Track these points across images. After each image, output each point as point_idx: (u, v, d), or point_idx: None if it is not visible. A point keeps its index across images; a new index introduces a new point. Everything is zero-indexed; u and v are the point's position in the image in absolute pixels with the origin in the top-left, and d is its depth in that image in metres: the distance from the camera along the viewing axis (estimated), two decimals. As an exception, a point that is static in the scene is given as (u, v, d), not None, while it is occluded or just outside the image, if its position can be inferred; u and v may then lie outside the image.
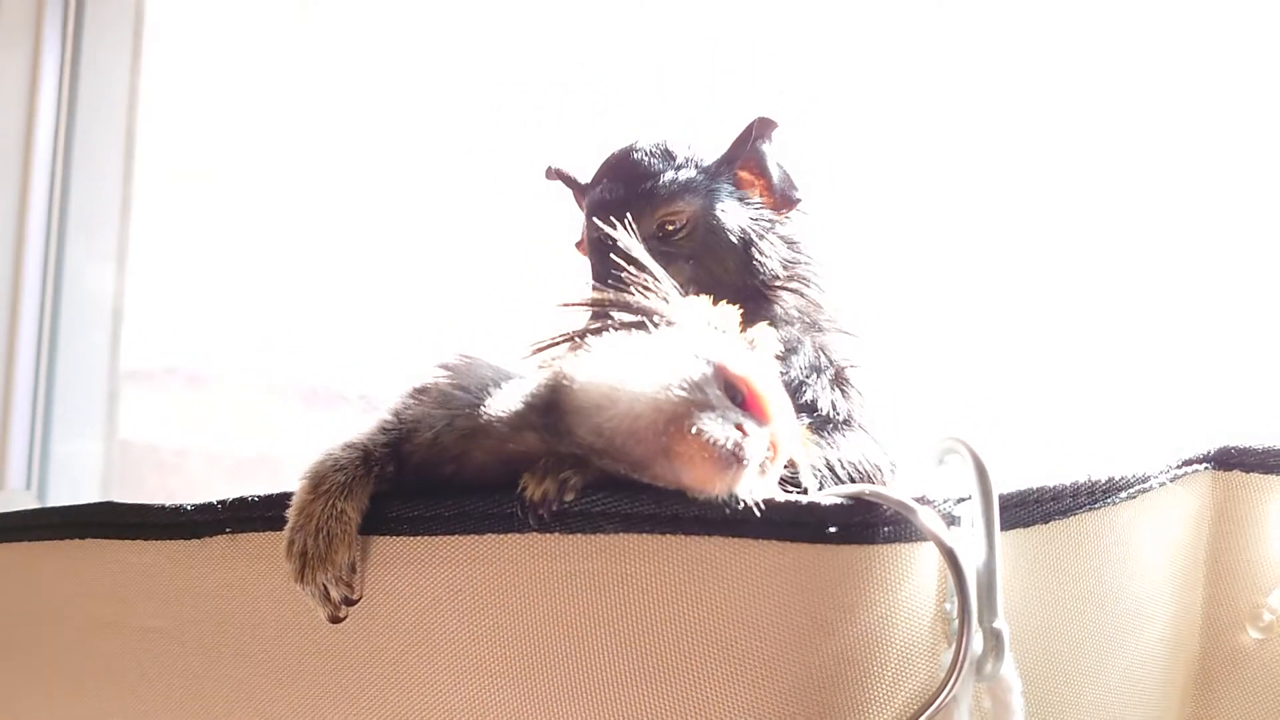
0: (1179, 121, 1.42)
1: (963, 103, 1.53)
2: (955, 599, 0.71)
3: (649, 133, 1.09)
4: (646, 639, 0.74)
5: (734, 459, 0.71)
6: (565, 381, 0.77)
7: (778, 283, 1.04)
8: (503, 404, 0.79)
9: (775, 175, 1.07)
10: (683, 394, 0.73)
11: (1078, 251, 1.44)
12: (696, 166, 1.06)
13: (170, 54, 2.11)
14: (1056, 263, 1.45)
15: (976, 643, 0.72)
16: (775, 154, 1.08)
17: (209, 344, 2.05)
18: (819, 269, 1.07)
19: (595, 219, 0.97)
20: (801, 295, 1.04)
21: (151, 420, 2.08)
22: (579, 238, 1.13)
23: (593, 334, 0.79)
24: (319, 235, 1.97)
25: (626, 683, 0.74)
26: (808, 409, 0.95)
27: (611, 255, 0.83)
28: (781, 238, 1.06)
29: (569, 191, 1.14)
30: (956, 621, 0.71)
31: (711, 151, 1.08)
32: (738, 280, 1.03)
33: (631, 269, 0.81)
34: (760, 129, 1.07)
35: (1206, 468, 0.88)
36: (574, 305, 0.84)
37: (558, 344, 0.81)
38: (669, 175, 1.04)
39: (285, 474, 0.84)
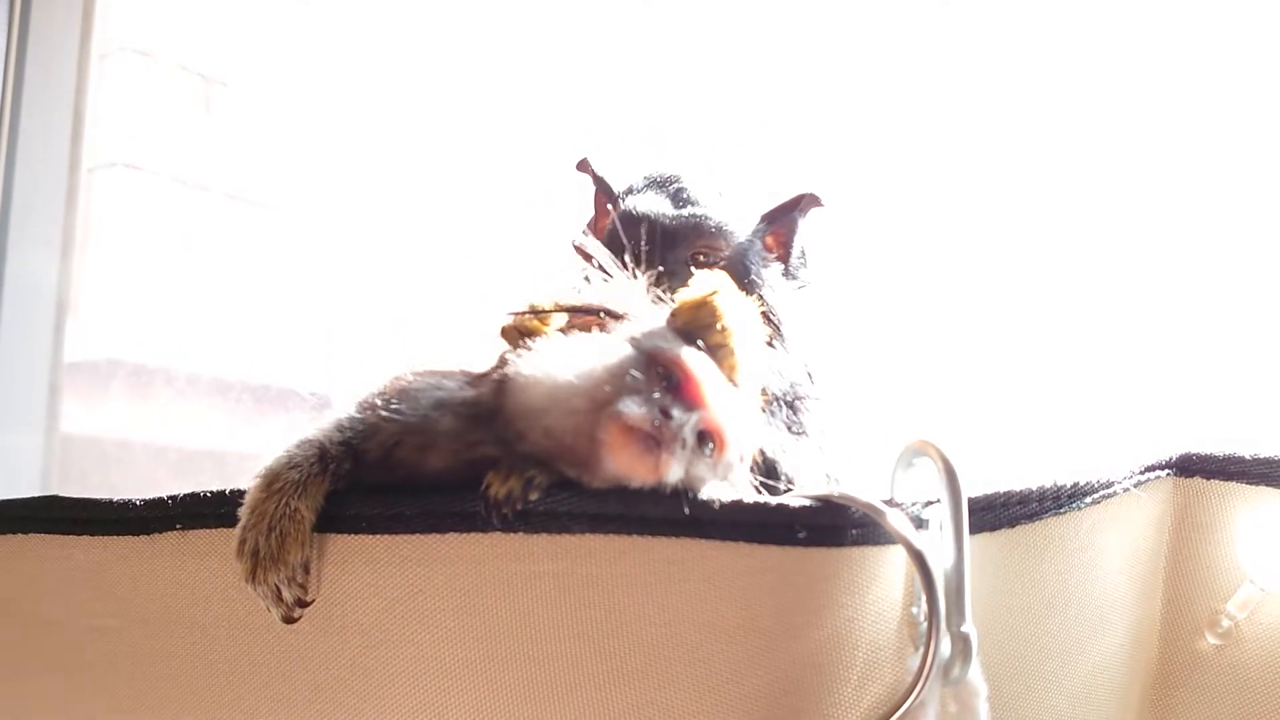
0: (1147, 133, 1.43)
1: (936, 109, 1.53)
2: (923, 602, 0.71)
3: (696, 165, 1.12)
4: (611, 641, 0.73)
5: (653, 442, 0.69)
6: (509, 386, 0.75)
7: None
8: (452, 417, 0.77)
9: (795, 252, 1.11)
10: (610, 378, 0.71)
11: (1047, 257, 1.45)
12: (739, 214, 1.09)
13: (120, 37, 2.07)
14: (1026, 269, 1.46)
15: (944, 647, 0.71)
16: (805, 231, 1.11)
17: (155, 337, 2.02)
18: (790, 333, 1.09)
19: (627, 219, 0.99)
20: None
21: (94, 413, 2.04)
22: (591, 220, 1.14)
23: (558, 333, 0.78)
24: (272, 231, 1.94)
25: (591, 686, 0.73)
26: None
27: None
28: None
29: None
30: (924, 625, 0.70)
31: (750, 202, 1.11)
32: None
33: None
34: (806, 204, 1.10)
35: (1169, 474, 0.88)
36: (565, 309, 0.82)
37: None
38: (717, 212, 1.07)
39: (232, 470, 0.82)
